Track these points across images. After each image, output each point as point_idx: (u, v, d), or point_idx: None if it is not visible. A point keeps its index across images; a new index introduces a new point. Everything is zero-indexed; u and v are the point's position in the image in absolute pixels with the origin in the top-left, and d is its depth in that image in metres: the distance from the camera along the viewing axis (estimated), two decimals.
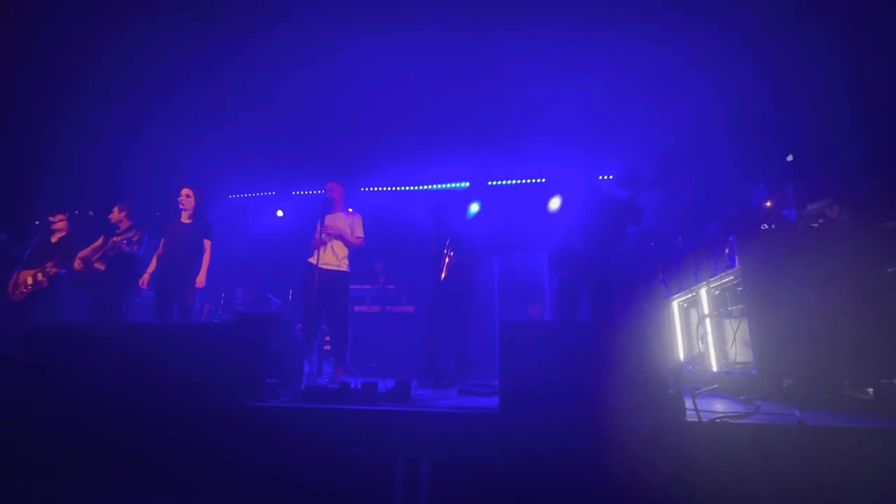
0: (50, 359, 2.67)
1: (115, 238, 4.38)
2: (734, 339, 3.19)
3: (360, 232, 4.36)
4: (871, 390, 2.39)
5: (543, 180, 6.89)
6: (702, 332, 3.67)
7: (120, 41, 4.87)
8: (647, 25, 4.41)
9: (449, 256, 4.25)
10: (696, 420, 1.95)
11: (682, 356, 4.11)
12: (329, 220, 4.25)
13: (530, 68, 5.07)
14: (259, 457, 2.21)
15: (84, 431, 2.41)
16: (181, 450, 2.30)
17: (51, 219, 4.65)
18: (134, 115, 5.75)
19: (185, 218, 4.48)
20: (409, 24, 4.68)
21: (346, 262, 4.28)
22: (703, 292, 3.68)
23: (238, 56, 5.06)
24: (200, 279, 4.32)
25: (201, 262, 4.37)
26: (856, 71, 4.19)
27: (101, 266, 4.45)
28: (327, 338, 4.98)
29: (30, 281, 4.37)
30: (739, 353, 3.16)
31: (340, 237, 4.23)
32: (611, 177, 6.26)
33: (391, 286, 6.36)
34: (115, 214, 4.55)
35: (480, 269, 4.51)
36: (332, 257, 4.18)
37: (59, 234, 4.65)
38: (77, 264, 4.44)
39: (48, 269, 4.37)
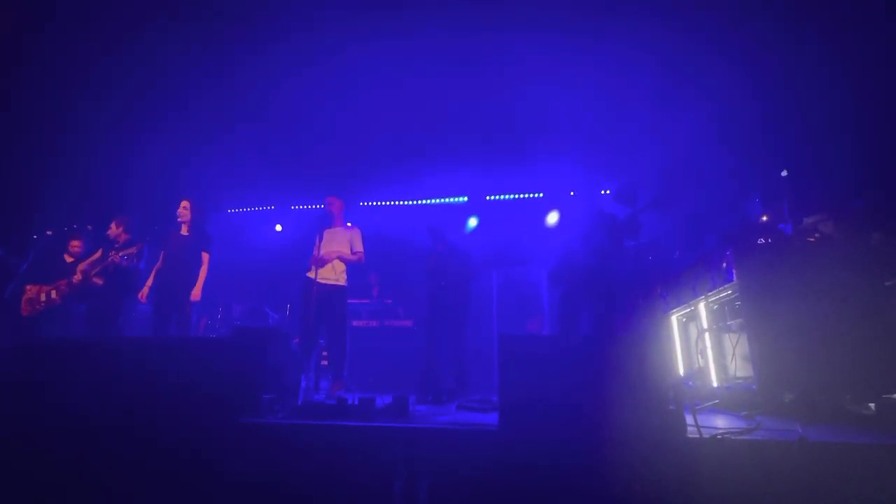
0: (44, 373, 2.63)
1: (112, 253, 4.37)
2: (734, 353, 3.18)
3: (359, 247, 4.36)
4: (872, 405, 2.38)
5: (541, 195, 6.94)
6: (701, 347, 3.66)
7: (120, 55, 4.93)
8: (644, 41, 4.49)
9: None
10: (697, 436, 1.94)
11: (681, 371, 4.09)
12: (328, 234, 4.25)
13: (529, 83, 5.14)
14: (255, 473, 2.17)
15: (79, 447, 2.37)
16: (176, 466, 2.26)
17: (70, 244, 4.80)
18: (133, 128, 5.78)
19: (184, 231, 4.47)
20: (408, 40, 4.76)
21: (345, 277, 4.26)
22: (701, 306, 3.67)
23: (237, 70, 5.12)
24: (196, 293, 4.28)
25: (198, 274, 4.35)
26: (850, 86, 4.26)
27: (98, 281, 4.44)
28: (325, 353, 4.94)
29: (43, 298, 4.46)
30: (739, 367, 3.15)
31: (340, 258, 4.23)
32: (608, 192, 6.31)
33: (389, 300, 6.34)
34: (113, 230, 4.55)
35: (476, 283, 4.50)
36: (331, 272, 4.17)
37: (75, 257, 4.72)
38: (76, 277, 4.45)
39: (62, 288, 4.45)
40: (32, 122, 5.67)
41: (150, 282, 4.37)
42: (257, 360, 2.58)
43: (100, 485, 2.29)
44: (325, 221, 4.26)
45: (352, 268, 4.39)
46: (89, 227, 4.99)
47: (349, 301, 4.44)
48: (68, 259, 4.69)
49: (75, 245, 4.78)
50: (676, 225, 5.22)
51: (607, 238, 3.63)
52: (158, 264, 4.40)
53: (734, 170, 5.05)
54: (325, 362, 4.91)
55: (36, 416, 2.48)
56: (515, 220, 6.82)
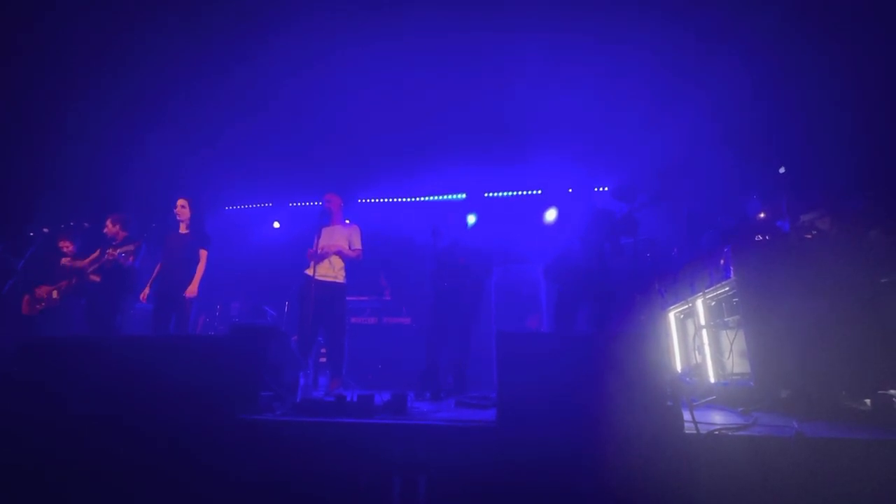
0: (43, 371, 2.63)
1: (110, 251, 4.36)
2: (731, 350, 3.19)
3: (357, 244, 4.35)
4: (868, 401, 2.39)
5: (540, 192, 6.94)
6: (698, 344, 3.67)
7: (118, 53, 4.91)
8: (643, 39, 4.48)
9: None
10: (695, 432, 1.94)
11: (679, 368, 4.10)
12: (326, 232, 4.24)
13: (528, 81, 5.13)
14: (254, 469, 2.18)
15: (79, 444, 2.37)
16: (175, 462, 2.27)
17: (59, 244, 4.79)
18: (131, 126, 5.76)
19: (182, 229, 4.46)
20: (407, 38, 4.74)
21: (343, 274, 4.26)
22: (699, 303, 3.68)
23: (235, 68, 5.10)
24: (192, 289, 4.26)
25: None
26: (849, 84, 4.26)
27: (96, 278, 4.43)
28: (323, 350, 4.94)
29: (45, 298, 4.54)
30: (736, 364, 3.16)
31: (339, 253, 4.22)
32: (606, 188, 6.31)
33: (388, 297, 6.34)
34: (110, 228, 4.54)
35: (489, 280, 4.41)
36: (329, 269, 4.16)
37: (69, 257, 4.74)
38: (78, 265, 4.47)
39: (63, 288, 4.55)
40: (30, 118, 5.64)
41: (151, 281, 4.37)
42: (256, 357, 2.58)
43: (100, 480, 2.30)
44: (324, 219, 4.25)
45: (356, 267, 4.37)
46: (86, 224, 4.97)
47: (348, 298, 4.42)
48: (64, 259, 4.68)
49: (66, 245, 4.76)
50: (675, 222, 5.23)
51: (605, 235, 3.63)
52: (159, 266, 4.39)
53: (732, 167, 5.06)
54: (323, 359, 4.91)
55: (36, 414, 2.48)
56: (514, 217, 6.81)
